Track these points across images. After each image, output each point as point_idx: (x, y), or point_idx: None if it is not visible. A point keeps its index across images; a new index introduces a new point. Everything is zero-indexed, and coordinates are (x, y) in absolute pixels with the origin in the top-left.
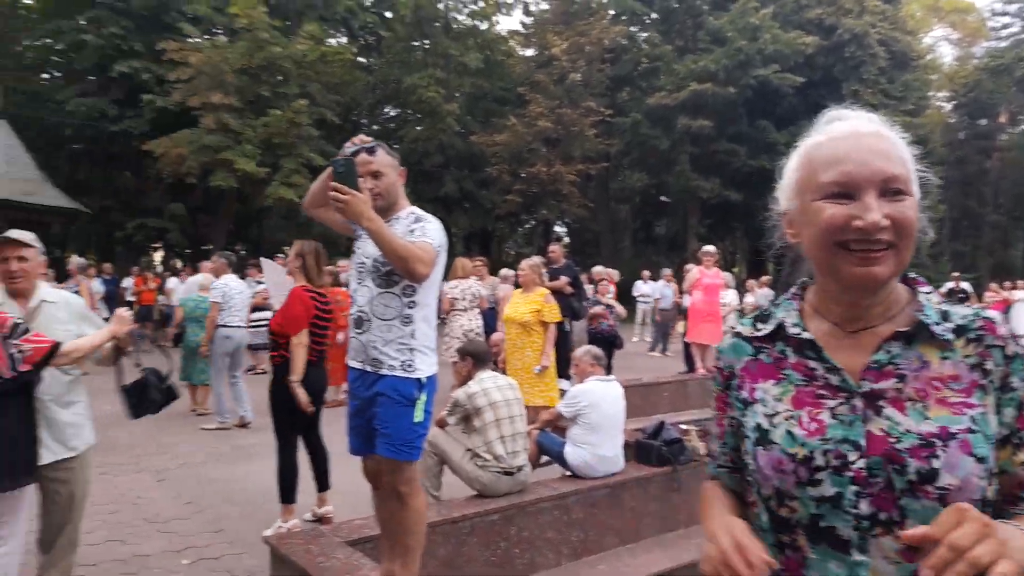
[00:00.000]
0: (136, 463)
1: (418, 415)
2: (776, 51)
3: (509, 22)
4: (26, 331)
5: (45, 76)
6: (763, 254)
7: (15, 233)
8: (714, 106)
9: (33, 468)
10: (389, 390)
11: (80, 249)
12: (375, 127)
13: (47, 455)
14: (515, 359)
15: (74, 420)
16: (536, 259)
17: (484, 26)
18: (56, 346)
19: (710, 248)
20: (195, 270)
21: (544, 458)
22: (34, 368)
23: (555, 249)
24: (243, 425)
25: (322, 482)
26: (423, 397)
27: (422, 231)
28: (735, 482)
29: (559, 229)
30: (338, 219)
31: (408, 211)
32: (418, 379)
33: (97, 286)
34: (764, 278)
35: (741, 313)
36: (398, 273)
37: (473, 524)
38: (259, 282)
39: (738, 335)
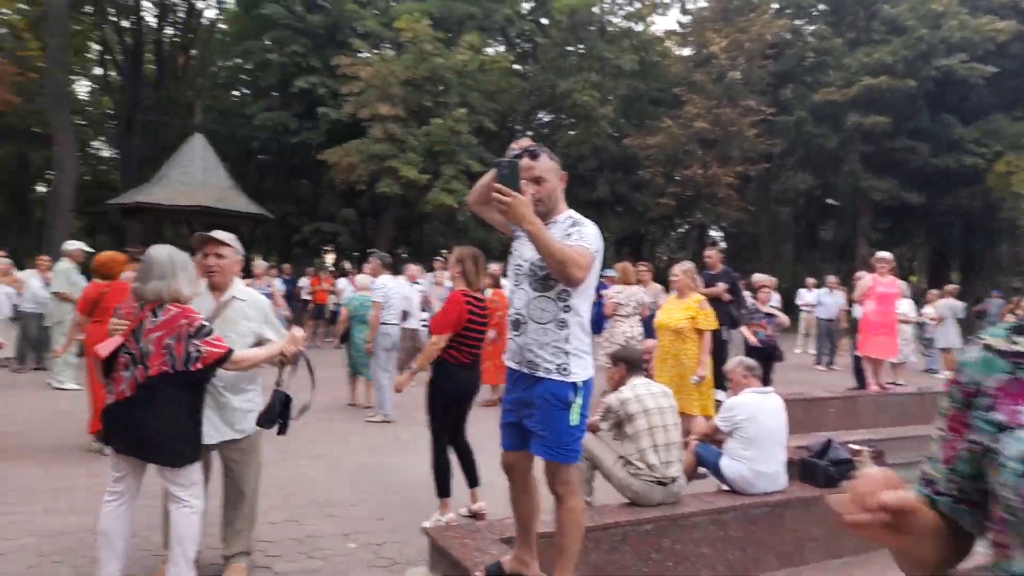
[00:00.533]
0: (310, 451)
1: (574, 418)
2: (963, 39)
3: (665, 22)
4: (209, 333)
5: (235, 94)
6: (947, 261)
7: (217, 233)
8: (890, 101)
9: (191, 453)
10: (546, 393)
11: (264, 251)
12: (530, 132)
13: (215, 435)
14: (667, 366)
15: (243, 406)
16: (688, 264)
17: (640, 27)
18: (228, 353)
19: (886, 254)
20: (361, 271)
21: (700, 470)
22: (204, 368)
23: (711, 254)
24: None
25: (471, 478)
26: (579, 401)
27: (579, 235)
28: (960, 515)
29: (714, 233)
30: (499, 219)
31: (566, 215)
32: (573, 383)
33: (279, 285)
34: (949, 287)
35: (920, 327)
36: (554, 277)
37: (625, 532)
38: (417, 283)
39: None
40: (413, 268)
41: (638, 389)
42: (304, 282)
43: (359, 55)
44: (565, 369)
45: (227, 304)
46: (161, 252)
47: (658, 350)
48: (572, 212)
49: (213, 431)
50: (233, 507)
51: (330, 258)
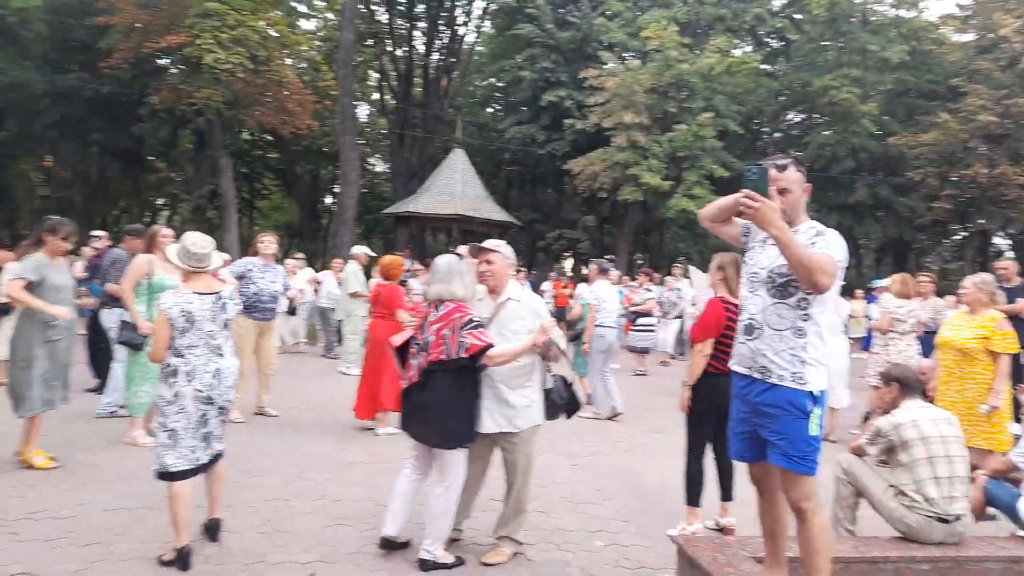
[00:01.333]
0: (554, 447)
1: (813, 428)
2: None
3: (940, 7)
4: (477, 326)
5: (489, 110)
6: None
7: (487, 242)
8: None
9: (463, 437)
10: (783, 402)
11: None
12: (777, 134)
13: (493, 426)
14: (949, 390)
15: (519, 402)
16: (985, 276)
17: (910, 14)
18: (488, 347)
19: None
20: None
21: (990, 511)
22: (469, 358)
23: (1007, 266)
24: (613, 416)
25: (726, 491)
26: (817, 410)
27: (824, 244)
28: None
29: (1001, 241)
30: (733, 232)
31: (808, 225)
32: (810, 392)
33: None
34: None
35: None
36: (795, 284)
37: (898, 569)
38: (648, 289)
39: None
40: (613, 274)
41: (916, 413)
42: (547, 286)
43: (605, 67)
44: (801, 378)
45: (502, 306)
46: (442, 261)
47: (940, 372)
48: (814, 222)
49: (491, 423)
50: (508, 494)
51: (568, 264)
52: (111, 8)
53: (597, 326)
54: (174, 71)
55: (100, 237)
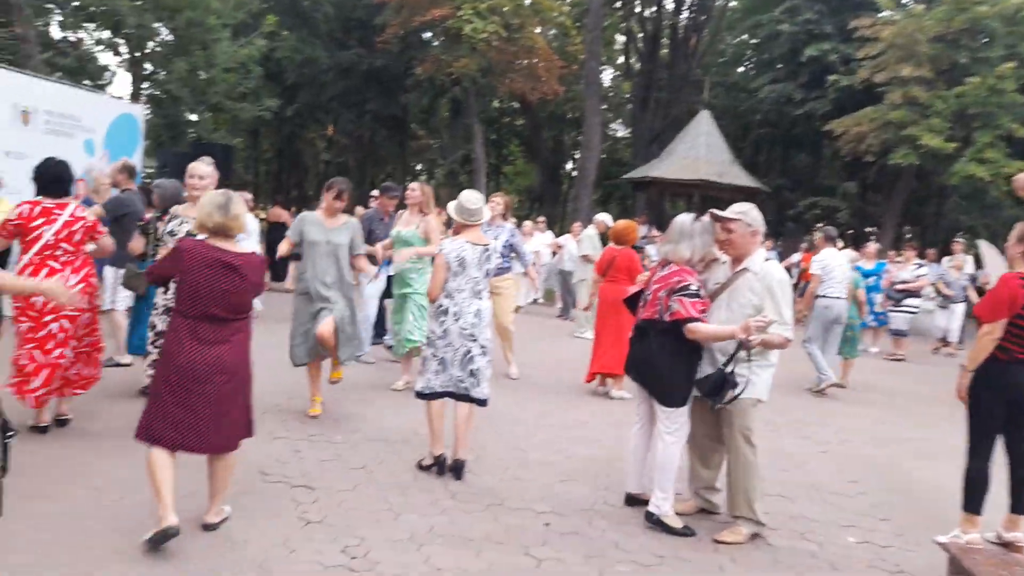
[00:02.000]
0: (799, 431)
1: None
2: None
3: None
4: (692, 295)
5: (740, 69)
6: None
7: (731, 208)
8: None
9: (678, 396)
10: None
11: None
12: None
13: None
14: None
15: (749, 373)
16: None
17: None
18: (686, 320)
19: None
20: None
21: None
22: (672, 325)
23: None
24: (822, 390)
25: (1018, 502)
26: None
27: None
28: None
29: None
30: None
31: None
32: None
33: None
34: None
35: None
36: None
37: None
38: (919, 264)
39: None
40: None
41: None
42: (796, 257)
43: (880, 15)
44: None
45: (739, 275)
46: (677, 221)
47: None
48: None
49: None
50: (730, 470)
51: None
52: None
53: (821, 296)
54: (436, 44)
55: (376, 197)
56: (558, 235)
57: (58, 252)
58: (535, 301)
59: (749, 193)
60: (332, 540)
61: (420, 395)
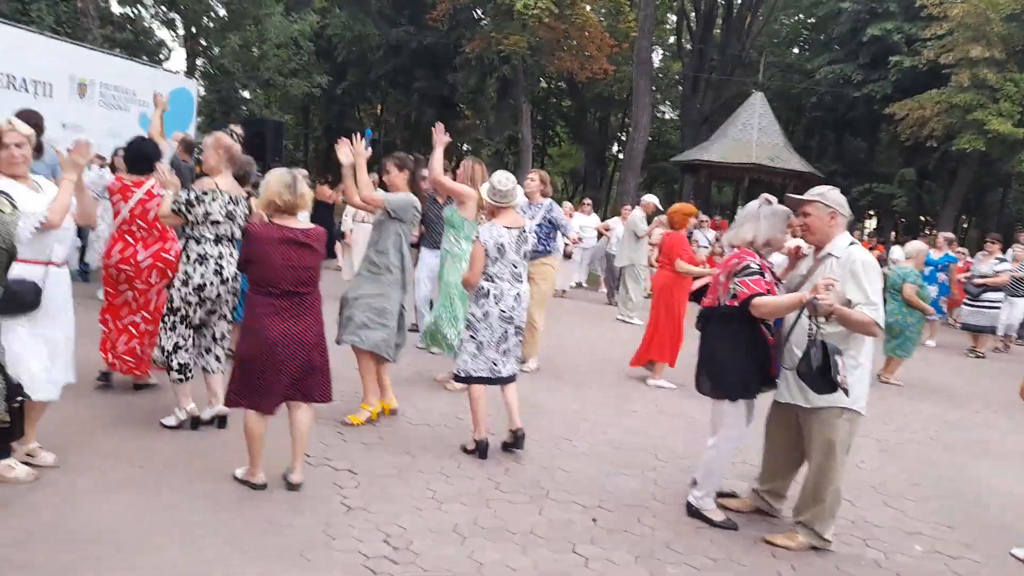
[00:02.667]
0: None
1: None
2: None
3: None
4: (753, 274)
5: (795, 50)
6: None
7: (812, 191)
8: None
9: (733, 389)
10: None
11: None
12: None
13: (786, 395)
14: None
15: None
16: None
17: None
18: (750, 298)
19: None
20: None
21: None
22: (739, 305)
23: None
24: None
25: None
26: None
27: None
28: None
29: None
30: None
31: None
32: None
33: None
34: None
35: None
36: None
37: None
38: (1000, 259)
39: None
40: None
41: None
42: None
43: None
44: None
45: (821, 262)
46: (745, 207)
47: None
48: None
49: (784, 391)
50: (808, 481)
51: (871, 223)
52: None
53: None
54: (486, 21)
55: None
56: (603, 218)
57: (133, 227)
58: (579, 285)
59: (801, 177)
60: (374, 528)
61: (457, 378)
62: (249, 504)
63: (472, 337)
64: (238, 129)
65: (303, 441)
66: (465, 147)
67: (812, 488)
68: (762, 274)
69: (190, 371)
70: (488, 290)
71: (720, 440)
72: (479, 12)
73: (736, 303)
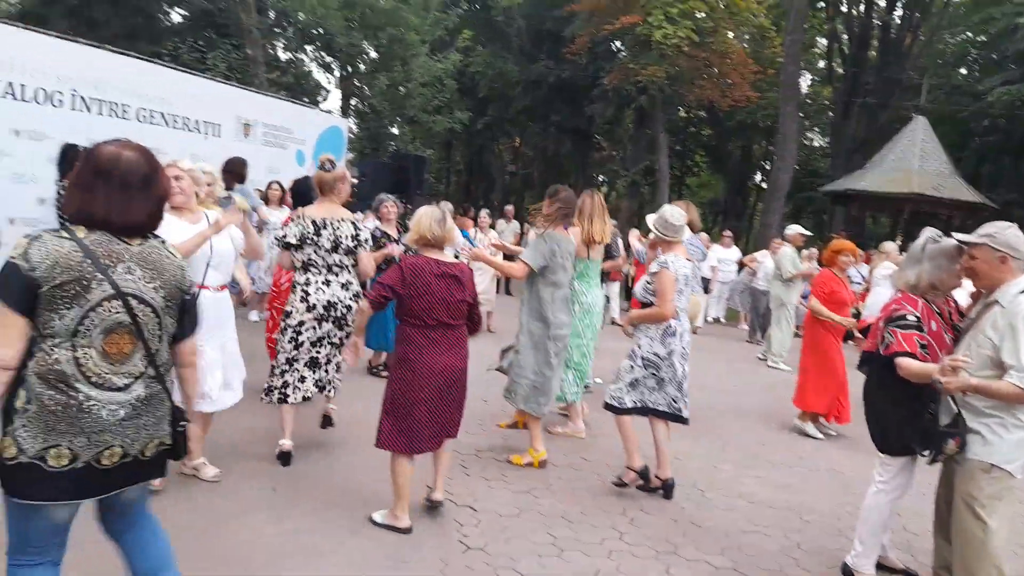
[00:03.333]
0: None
1: None
2: None
3: None
4: (905, 325)
5: (963, 71)
6: None
7: (984, 228)
8: None
9: (892, 443)
10: None
11: None
12: None
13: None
14: None
15: (983, 431)
16: None
17: None
18: (899, 354)
19: None
20: None
21: None
22: (889, 358)
23: None
24: None
25: None
26: None
27: None
28: None
29: None
30: None
31: None
32: None
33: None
34: None
35: None
36: None
37: None
38: None
39: None
40: None
41: None
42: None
43: None
44: None
45: (986, 309)
46: (910, 247)
47: None
48: None
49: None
50: (954, 545)
51: None
52: None
53: None
54: (624, 53)
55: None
56: (744, 251)
57: None
58: (716, 320)
59: (971, 208)
60: (491, 571)
61: (622, 410)
62: (369, 536)
63: (654, 375)
64: (331, 157)
65: (443, 470)
66: (601, 178)
67: (963, 558)
68: (920, 327)
69: (287, 397)
70: (675, 328)
71: (877, 491)
72: (617, 44)
73: (886, 354)
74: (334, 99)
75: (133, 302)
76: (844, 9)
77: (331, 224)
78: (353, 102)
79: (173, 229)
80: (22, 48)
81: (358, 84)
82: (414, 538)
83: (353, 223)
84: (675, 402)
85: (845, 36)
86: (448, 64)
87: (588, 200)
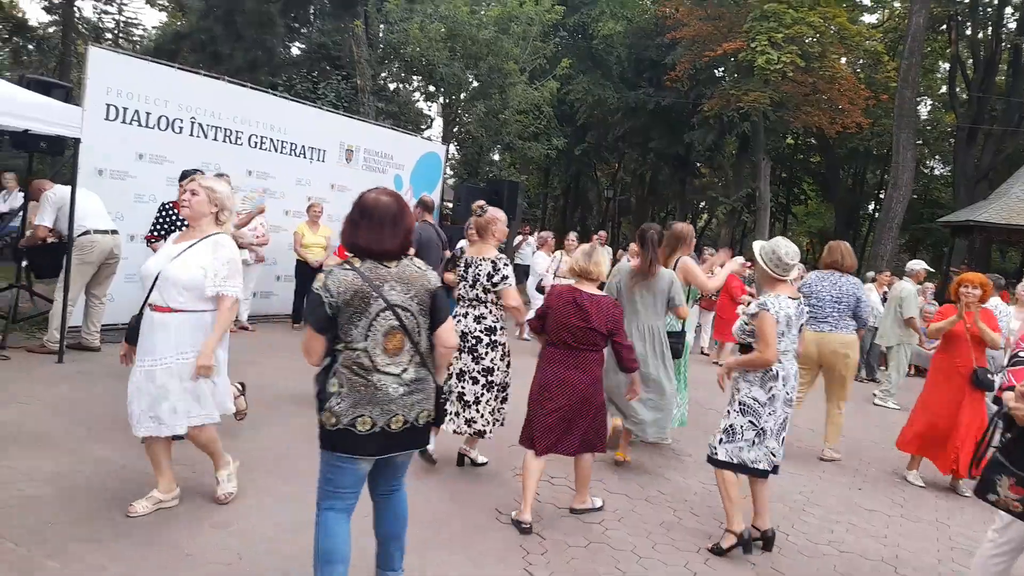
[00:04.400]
0: None
1: None
2: None
3: None
4: (1021, 362)
5: None
6: None
7: None
8: None
9: None
10: None
11: None
12: None
13: None
14: None
15: None
16: None
17: None
18: (1007, 389)
19: None
20: None
21: None
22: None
23: None
24: None
25: None
26: None
27: None
28: None
29: None
30: None
31: None
32: None
33: None
34: None
35: None
36: None
37: None
38: None
39: None
40: None
41: None
42: None
43: None
44: None
45: None
46: None
47: None
48: None
49: None
50: None
51: None
52: (677, 23)
53: None
54: (726, 79)
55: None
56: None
57: None
58: None
59: None
60: None
61: (718, 462)
62: (433, 558)
63: (752, 424)
64: (481, 203)
65: (583, 481)
66: (702, 204)
67: None
68: None
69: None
70: (776, 371)
71: (988, 551)
72: (719, 70)
73: (998, 395)
74: (437, 126)
75: (399, 311)
76: (969, 32)
77: (475, 262)
78: (455, 129)
79: (160, 252)
80: (150, 80)
81: (458, 112)
82: (475, 560)
83: (493, 262)
84: (774, 455)
85: (970, 60)
86: (546, 92)
87: (687, 229)
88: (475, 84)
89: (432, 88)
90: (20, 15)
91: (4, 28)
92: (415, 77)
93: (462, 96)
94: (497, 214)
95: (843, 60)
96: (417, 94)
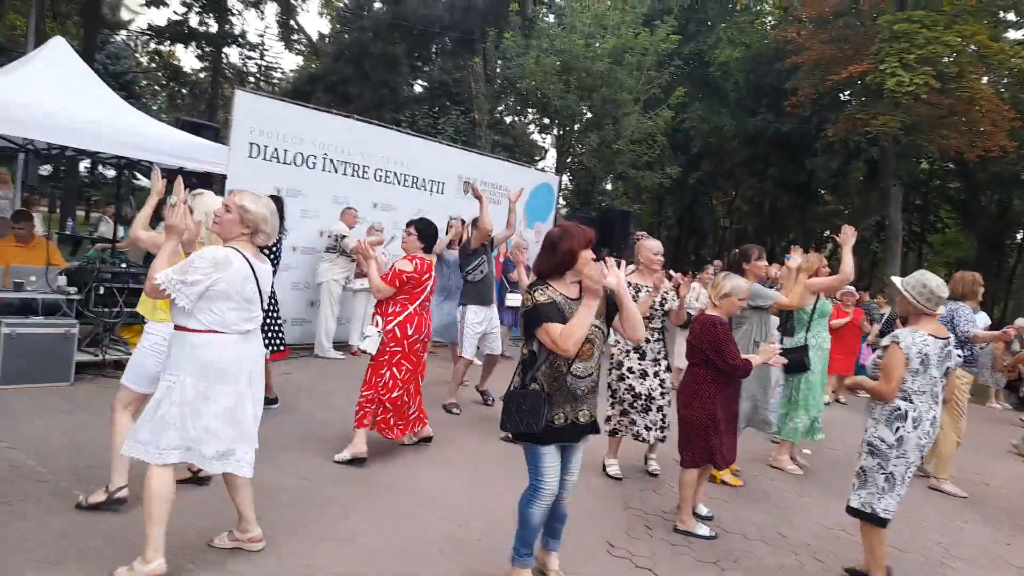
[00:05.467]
0: None
1: None
2: None
3: None
4: None
5: None
6: None
7: None
8: None
9: None
10: None
11: None
12: None
13: None
14: None
15: None
16: None
17: None
18: None
19: None
20: None
21: None
22: None
23: None
24: None
25: None
26: None
27: None
28: None
29: None
30: None
31: None
32: None
33: None
34: None
35: None
36: None
37: None
38: None
39: None
40: None
41: None
42: None
43: None
44: None
45: None
46: None
47: None
48: None
49: None
50: None
51: None
52: (798, 47)
53: None
54: (851, 103)
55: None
56: (997, 317)
57: (427, 303)
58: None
59: None
60: None
61: (854, 511)
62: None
63: (880, 467)
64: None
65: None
66: (827, 233)
67: None
68: None
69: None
70: (905, 411)
71: None
72: (844, 94)
73: None
74: (551, 156)
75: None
76: None
77: (633, 287)
78: (568, 160)
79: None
80: (288, 120)
81: (572, 142)
82: None
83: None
84: (899, 503)
85: None
86: (660, 121)
87: (816, 258)
88: (589, 115)
89: (547, 120)
90: (176, 63)
91: (163, 75)
92: (530, 110)
93: (576, 127)
94: (642, 244)
95: (984, 80)
96: (532, 126)
